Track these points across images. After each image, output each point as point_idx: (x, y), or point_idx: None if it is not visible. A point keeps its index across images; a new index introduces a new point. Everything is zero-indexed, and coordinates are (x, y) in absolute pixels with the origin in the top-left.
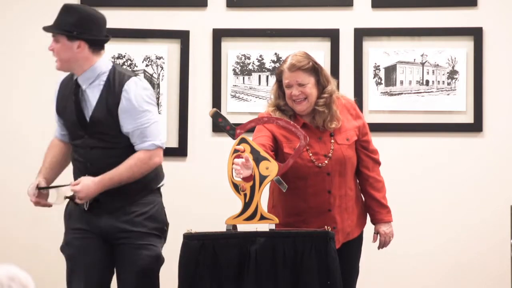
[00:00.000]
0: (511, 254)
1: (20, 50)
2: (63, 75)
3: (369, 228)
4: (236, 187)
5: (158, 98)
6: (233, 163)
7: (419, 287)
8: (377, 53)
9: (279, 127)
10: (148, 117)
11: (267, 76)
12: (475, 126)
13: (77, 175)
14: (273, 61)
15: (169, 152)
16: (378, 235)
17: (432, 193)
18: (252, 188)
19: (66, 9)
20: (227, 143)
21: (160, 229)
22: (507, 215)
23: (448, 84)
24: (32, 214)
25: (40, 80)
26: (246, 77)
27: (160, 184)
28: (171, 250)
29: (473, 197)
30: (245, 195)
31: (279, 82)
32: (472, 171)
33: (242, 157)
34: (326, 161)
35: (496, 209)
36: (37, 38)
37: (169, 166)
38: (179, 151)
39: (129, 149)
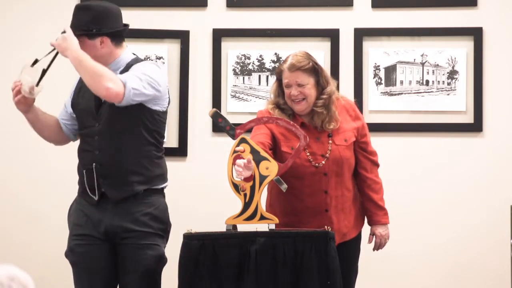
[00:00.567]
0: (511, 254)
1: (20, 50)
2: (63, 75)
3: (366, 229)
4: (236, 187)
5: None
6: (235, 164)
7: (419, 287)
8: (377, 53)
9: (278, 125)
10: (141, 71)
11: (267, 76)
12: (475, 126)
13: (82, 166)
14: (273, 61)
15: (169, 152)
16: (374, 236)
17: (432, 193)
18: (252, 188)
19: (80, 9)
20: (227, 143)
21: (164, 230)
22: (507, 215)
23: (448, 84)
24: (32, 214)
25: None
26: (246, 77)
27: (164, 185)
28: (171, 250)
29: (473, 197)
30: (245, 195)
31: (279, 81)
32: (472, 171)
33: (243, 158)
34: (323, 161)
35: (496, 209)
36: (37, 38)
37: (169, 166)
38: (179, 151)
39: (139, 137)
